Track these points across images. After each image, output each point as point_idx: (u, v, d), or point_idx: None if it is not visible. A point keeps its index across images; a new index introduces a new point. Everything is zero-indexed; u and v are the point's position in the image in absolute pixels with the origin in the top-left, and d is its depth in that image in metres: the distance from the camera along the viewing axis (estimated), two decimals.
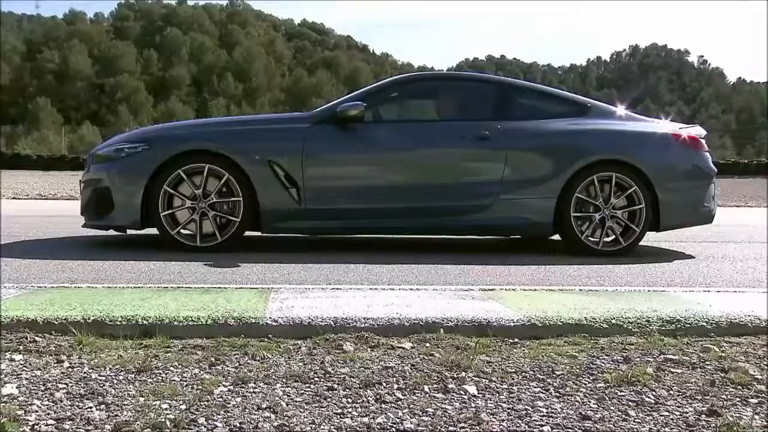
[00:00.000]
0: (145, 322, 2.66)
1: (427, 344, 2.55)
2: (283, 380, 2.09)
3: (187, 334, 2.61)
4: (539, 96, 5.73)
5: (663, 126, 5.61)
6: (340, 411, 1.85)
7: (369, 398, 1.94)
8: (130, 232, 5.44)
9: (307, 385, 2.06)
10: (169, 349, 2.41)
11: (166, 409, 1.82)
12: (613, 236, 5.27)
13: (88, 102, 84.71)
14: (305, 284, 3.66)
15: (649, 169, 5.20)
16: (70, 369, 2.17)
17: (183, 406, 1.84)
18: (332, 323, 2.72)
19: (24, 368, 2.16)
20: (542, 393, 2.03)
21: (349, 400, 1.93)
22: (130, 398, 1.90)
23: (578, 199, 5.18)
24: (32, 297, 3.08)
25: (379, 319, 2.77)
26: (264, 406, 1.86)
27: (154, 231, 5.10)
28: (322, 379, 2.11)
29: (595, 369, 2.28)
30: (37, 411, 1.79)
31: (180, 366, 2.21)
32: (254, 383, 2.05)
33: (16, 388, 1.96)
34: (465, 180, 5.28)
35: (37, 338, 2.51)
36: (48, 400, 1.88)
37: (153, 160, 4.96)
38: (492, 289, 3.55)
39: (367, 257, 4.84)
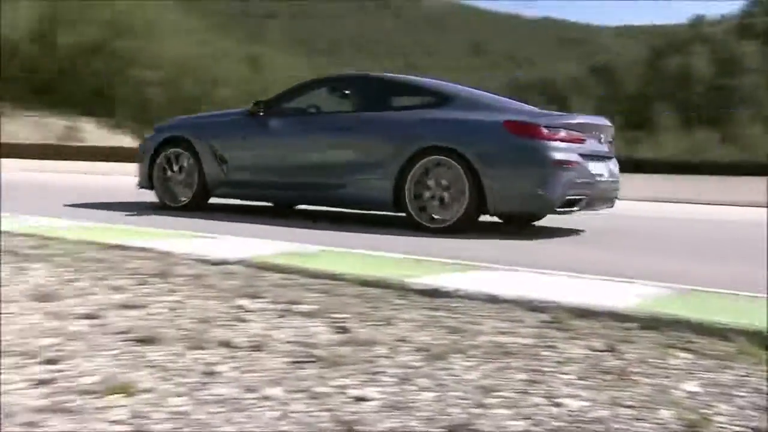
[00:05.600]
0: None
1: None
2: None
3: None
4: (405, 89, 7.00)
5: (496, 115, 5.85)
6: None
7: None
8: None
9: None
10: None
11: None
12: (446, 214, 5.78)
13: (706, 105, 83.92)
14: None
15: (473, 156, 5.60)
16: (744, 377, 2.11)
17: None
18: None
19: (697, 367, 2.19)
20: None
21: None
22: None
23: (412, 181, 5.87)
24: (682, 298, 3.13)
25: None
26: None
27: None
28: None
29: None
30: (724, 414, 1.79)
31: None
32: None
33: (699, 386, 1.99)
34: (330, 161, 6.46)
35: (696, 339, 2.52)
36: (728, 404, 1.86)
37: (153, 143, 7.47)
38: None
39: None
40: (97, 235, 4.64)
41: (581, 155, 5.80)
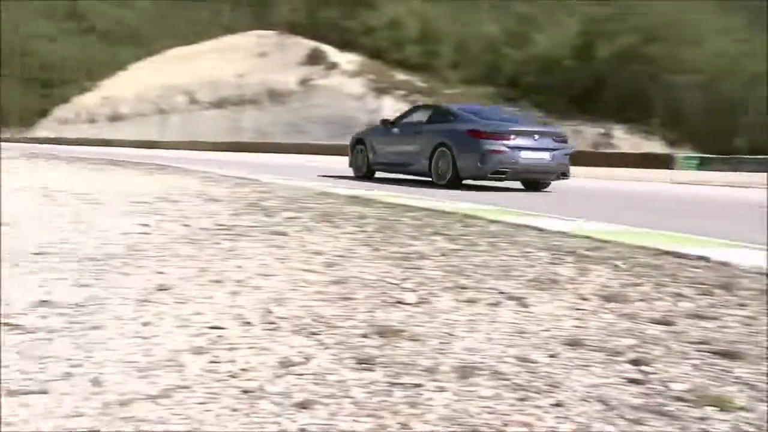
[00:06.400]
0: None
1: None
2: None
3: None
4: (443, 111, 11.88)
5: (468, 125, 10.87)
6: None
7: None
8: None
9: None
10: None
11: None
12: (445, 178, 10.99)
13: None
14: None
15: (453, 148, 10.76)
16: None
17: None
18: None
19: None
20: None
21: None
22: None
23: (435, 161, 11.10)
24: None
25: None
26: None
27: None
28: None
29: None
30: None
31: None
32: None
33: None
34: (408, 151, 11.73)
35: None
36: None
37: (352, 142, 13.61)
38: None
39: None
40: (649, 240, 4.68)
41: (509, 147, 10.41)
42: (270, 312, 2.49)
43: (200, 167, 15.15)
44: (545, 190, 11.54)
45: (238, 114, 60.03)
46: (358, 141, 13.34)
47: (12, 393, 1.70)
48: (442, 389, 1.76)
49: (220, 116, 60.69)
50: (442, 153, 10.99)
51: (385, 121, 12.95)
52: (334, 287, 2.97)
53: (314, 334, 2.25)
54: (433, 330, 2.35)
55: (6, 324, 2.33)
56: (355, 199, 7.18)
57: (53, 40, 79.47)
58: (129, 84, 69.23)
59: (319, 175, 13.43)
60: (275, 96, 58.39)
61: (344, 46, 60.39)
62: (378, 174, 13.19)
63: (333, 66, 57.96)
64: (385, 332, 2.28)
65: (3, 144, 37.88)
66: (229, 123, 58.98)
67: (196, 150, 39.01)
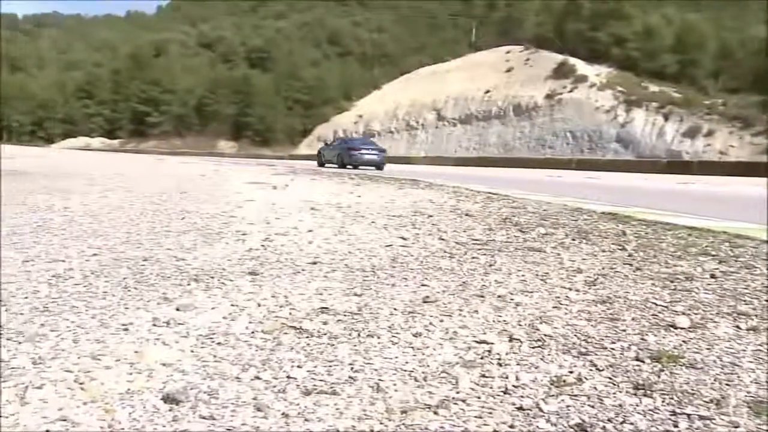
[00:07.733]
0: None
1: None
2: None
3: None
4: (343, 139, 37.29)
5: (349, 145, 30.49)
6: None
7: None
8: None
9: None
10: None
11: None
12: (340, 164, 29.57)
13: None
14: None
15: (343, 153, 29.36)
16: None
17: None
18: None
19: None
20: None
21: None
22: None
23: (338, 158, 29.65)
24: None
25: None
26: None
27: None
28: None
29: None
30: None
31: None
32: None
33: None
34: (333, 154, 31.04)
35: None
36: None
37: (317, 152, 35.68)
38: None
39: None
40: None
41: (359, 153, 28.90)
42: (536, 329, 2.48)
43: (449, 182, 15.57)
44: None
45: (484, 129, 60.72)
46: (319, 152, 32.52)
47: (307, 392, 1.86)
48: (734, 425, 1.63)
49: (466, 132, 61.86)
50: (339, 155, 28.35)
51: (326, 143, 34.34)
52: (598, 306, 2.88)
53: (583, 354, 2.20)
54: (713, 358, 2.19)
55: (293, 327, 2.56)
56: (610, 216, 6.89)
57: (316, 64, 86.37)
58: (381, 102, 73.10)
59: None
60: (520, 111, 58.19)
61: (593, 58, 58.51)
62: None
63: (581, 79, 56.37)
64: (660, 357, 2.16)
65: (273, 161, 42.86)
66: (476, 138, 59.87)
67: (443, 165, 40.28)
